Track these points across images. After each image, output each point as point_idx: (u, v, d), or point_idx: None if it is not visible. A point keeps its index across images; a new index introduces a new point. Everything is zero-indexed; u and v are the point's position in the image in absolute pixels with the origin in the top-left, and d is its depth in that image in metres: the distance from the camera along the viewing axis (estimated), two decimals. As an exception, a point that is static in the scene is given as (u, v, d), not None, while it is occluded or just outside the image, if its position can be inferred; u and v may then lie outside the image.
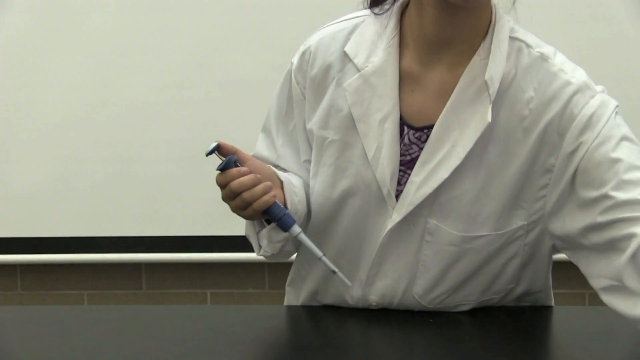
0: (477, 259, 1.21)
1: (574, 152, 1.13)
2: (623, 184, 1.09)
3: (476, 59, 1.16)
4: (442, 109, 1.17)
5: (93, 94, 2.37)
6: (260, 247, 1.27)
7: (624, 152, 1.11)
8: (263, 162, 1.28)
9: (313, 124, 1.26)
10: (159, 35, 2.34)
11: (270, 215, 1.18)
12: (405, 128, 1.20)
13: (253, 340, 1.20)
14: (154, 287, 2.55)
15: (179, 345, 1.15)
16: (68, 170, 2.40)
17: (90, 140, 2.38)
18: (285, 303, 1.43)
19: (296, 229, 1.19)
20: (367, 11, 1.27)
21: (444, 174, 1.16)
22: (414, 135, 1.20)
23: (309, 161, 1.30)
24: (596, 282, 1.13)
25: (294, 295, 1.40)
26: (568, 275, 2.48)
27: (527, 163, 1.16)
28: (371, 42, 1.23)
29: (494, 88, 1.14)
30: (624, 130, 1.15)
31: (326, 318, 1.31)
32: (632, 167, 1.10)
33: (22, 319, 1.33)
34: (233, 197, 1.16)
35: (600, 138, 1.12)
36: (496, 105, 1.15)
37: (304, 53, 1.28)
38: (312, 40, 1.28)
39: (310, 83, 1.26)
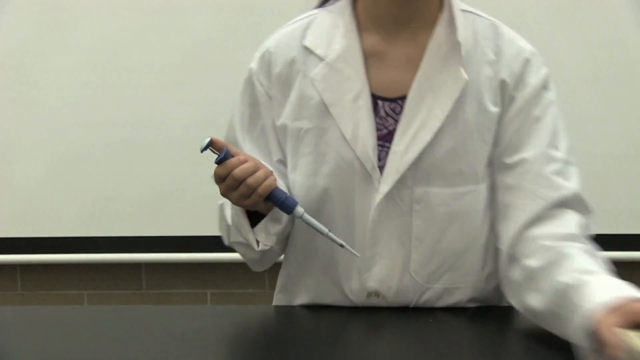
0: (466, 223, 1.25)
1: (518, 113, 1.24)
2: (544, 157, 1.22)
3: (439, 29, 1.24)
4: (412, 79, 1.24)
5: (93, 94, 2.37)
6: (257, 242, 1.27)
7: (555, 125, 1.25)
8: None
9: (285, 118, 1.29)
10: (159, 35, 2.34)
11: (274, 199, 1.20)
12: (379, 102, 1.25)
13: (253, 340, 1.20)
14: (154, 287, 2.55)
15: (179, 345, 1.15)
16: (68, 170, 2.40)
17: (91, 140, 2.38)
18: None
19: (300, 209, 1.21)
20: (316, 10, 1.32)
21: (426, 136, 1.21)
22: (389, 106, 1.25)
23: (281, 161, 1.31)
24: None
25: (286, 301, 1.38)
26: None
27: (496, 119, 1.24)
28: (328, 32, 1.28)
29: (466, 48, 1.22)
30: (555, 99, 1.28)
31: (326, 318, 1.31)
32: (553, 145, 1.23)
33: (22, 319, 1.33)
34: (236, 186, 1.17)
35: (541, 107, 1.25)
36: (465, 67, 1.22)
37: (263, 55, 1.32)
38: (269, 43, 1.32)
39: (275, 81, 1.30)
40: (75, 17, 2.34)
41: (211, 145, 1.19)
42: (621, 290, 0.99)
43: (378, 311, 1.29)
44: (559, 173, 1.22)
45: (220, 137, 1.23)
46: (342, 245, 1.21)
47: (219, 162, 1.18)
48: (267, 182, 1.18)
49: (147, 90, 2.36)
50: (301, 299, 1.35)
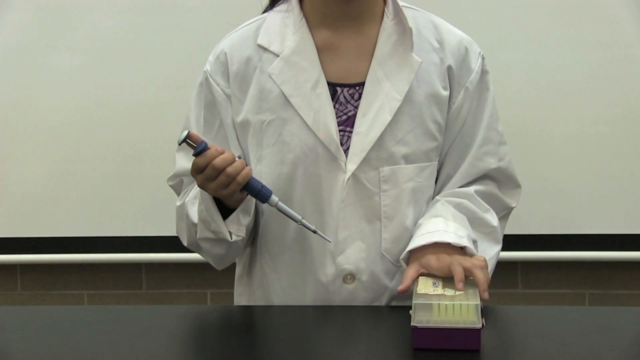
0: (424, 197, 1.36)
1: (465, 98, 1.36)
2: (483, 140, 1.38)
3: (386, 21, 1.34)
4: (366, 67, 1.32)
5: (93, 94, 2.36)
6: (230, 234, 1.31)
7: (493, 107, 1.40)
8: (187, 172, 1.34)
9: (246, 113, 1.34)
10: (159, 36, 2.34)
11: (250, 188, 1.25)
12: (338, 89, 1.32)
13: (253, 340, 1.20)
14: (154, 287, 2.55)
15: (179, 345, 1.15)
16: (68, 170, 2.40)
17: (90, 140, 2.38)
18: (238, 304, 1.46)
19: (275, 197, 1.26)
20: (264, 15, 1.40)
21: (387, 117, 1.30)
22: (347, 92, 1.32)
23: (239, 158, 1.35)
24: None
25: (265, 298, 1.40)
26: (568, 275, 2.49)
27: (447, 101, 1.35)
28: (279, 31, 1.35)
29: (414, 34, 1.32)
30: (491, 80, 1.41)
31: (326, 318, 1.31)
32: (492, 128, 1.39)
33: (22, 319, 1.33)
34: (215, 176, 1.22)
35: (484, 92, 1.38)
36: (415, 53, 1.32)
37: (217, 57, 1.38)
38: (222, 45, 1.39)
39: (233, 78, 1.35)
40: (75, 17, 2.34)
41: (188, 138, 1.23)
42: (430, 236, 1.25)
43: (370, 308, 1.29)
44: (493, 154, 1.39)
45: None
46: (314, 232, 1.26)
47: (197, 153, 1.22)
48: (245, 171, 1.23)
49: (147, 90, 2.36)
50: (278, 294, 1.38)
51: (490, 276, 1.27)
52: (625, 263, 2.44)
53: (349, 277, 1.33)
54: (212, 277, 2.52)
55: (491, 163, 1.39)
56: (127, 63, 2.35)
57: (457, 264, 1.19)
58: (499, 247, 1.39)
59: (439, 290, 1.16)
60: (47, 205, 2.41)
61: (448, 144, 1.39)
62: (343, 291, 1.34)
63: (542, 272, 2.43)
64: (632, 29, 2.28)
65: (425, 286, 1.18)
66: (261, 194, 1.26)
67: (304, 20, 1.34)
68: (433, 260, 1.23)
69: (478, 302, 1.12)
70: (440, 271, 1.21)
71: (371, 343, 1.18)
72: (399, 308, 1.29)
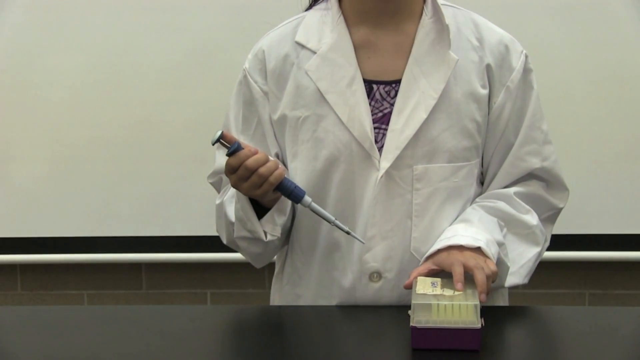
0: (461, 197, 1.34)
1: (507, 97, 1.35)
2: (525, 139, 1.36)
3: (425, 19, 1.33)
4: (402, 65, 1.32)
5: (93, 93, 2.36)
6: (265, 234, 1.31)
7: (536, 106, 1.38)
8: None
9: (283, 109, 1.34)
10: (159, 35, 2.34)
11: (283, 188, 1.25)
12: (374, 86, 1.32)
13: (253, 340, 1.20)
14: (154, 287, 2.55)
15: (179, 345, 1.15)
16: (68, 170, 2.40)
17: (91, 140, 2.38)
18: (272, 301, 1.46)
19: (308, 198, 1.26)
20: (303, 13, 1.39)
21: (422, 114, 1.29)
22: (384, 89, 1.32)
23: (278, 155, 1.37)
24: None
25: (292, 292, 1.40)
26: (568, 275, 2.49)
27: (486, 100, 1.34)
28: (318, 29, 1.35)
29: (452, 32, 1.31)
30: (535, 79, 1.39)
31: (326, 317, 1.31)
32: (536, 127, 1.37)
33: (22, 319, 1.34)
34: (248, 177, 1.22)
35: (527, 92, 1.36)
36: (452, 51, 1.31)
37: (256, 54, 1.38)
38: (261, 43, 1.39)
39: (270, 76, 1.35)
40: (75, 17, 2.34)
41: (222, 138, 1.22)
42: (446, 240, 1.25)
43: (378, 308, 1.29)
44: (536, 154, 1.37)
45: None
46: (348, 232, 1.26)
47: (230, 153, 1.22)
48: (278, 171, 1.23)
49: (147, 90, 2.36)
50: (306, 289, 1.38)
51: (528, 280, 1.33)
52: (625, 263, 2.44)
53: (375, 275, 1.32)
54: (212, 277, 2.52)
55: (534, 163, 1.37)
56: (127, 63, 2.35)
57: (458, 263, 1.19)
58: (539, 248, 1.37)
59: (438, 290, 1.16)
60: (47, 205, 2.41)
61: (493, 145, 1.37)
62: (369, 289, 1.33)
63: (542, 272, 2.42)
64: (632, 29, 2.28)
65: (424, 286, 1.18)
66: (294, 195, 1.25)
67: (341, 17, 1.34)
68: (444, 256, 1.23)
69: (477, 302, 1.12)
70: (449, 267, 1.21)
71: (370, 343, 1.18)
72: (398, 308, 1.29)
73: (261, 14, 2.31)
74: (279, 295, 1.45)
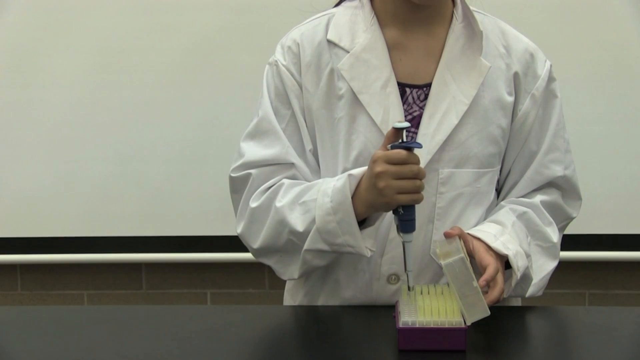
0: (482, 203, 1.34)
1: (532, 105, 1.35)
2: (549, 147, 1.37)
3: (455, 23, 1.33)
4: (433, 69, 1.31)
5: (93, 93, 2.36)
6: (365, 248, 1.26)
7: (560, 117, 1.38)
8: (260, 163, 1.31)
9: (317, 106, 1.32)
10: (159, 35, 2.34)
11: (408, 213, 1.19)
12: (407, 89, 1.31)
13: (253, 340, 1.20)
14: (154, 287, 2.55)
15: (179, 345, 1.15)
16: (68, 170, 2.39)
17: (90, 140, 2.38)
18: (285, 300, 1.44)
19: (412, 236, 1.20)
20: (332, 10, 1.37)
21: (453, 120, 1.29)
22: (416, 93, 1.31)
23: (311, 151, 1.34)
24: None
25: (310, 293, 1.39)
26: (568, 275, 2.48)
27: (512, 107, 1.34)
28: (349, 28, 1.33)
29: (484, 39, 1.32)
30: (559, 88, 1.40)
31: (326, 317, 1.31)
32: (559, 136, 1.37)
33: (22, 319, 1.34)
34: (406, 178, 1.17)
35: (551, 101, 1.37)
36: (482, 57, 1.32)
37: (289, 47, 1.35)
38: (294, 35, 1.36)
39: (305, 69, 1.33)
40: (75, 17, 2.34)
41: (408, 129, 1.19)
42: (479, 233, 1.26)
43: (380, 308, 1.29)
44: (559, 162, 1.37)
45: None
46: (409, 288, 1.20)
47: (409, 147, 1.16)
48: (422, 193, 1.19)
49: (147, 90, 2.36)
50: (324, 290, 1.36)
51: (542, 292, 1.33)
52: (625, 263, 2.44)
53: (393, 277, 1.32)
54: (212, 277, 2.52)
55: (557, 171, 1.37)
56: (127, 63, 2.35)
57: (495, 268, 1.18)
58: (556, 263, 1.38)
59: (460, 253, 1.15)
60: (47, 205, 2.41)
61: (515, 152, 1.37)
62: (387, 291, 1.32)
63: (542, 272, 2.43)
64: (632, 29, 2.28)
65: (445, 251, 1.17)
66: (409, 224, 1.19)
67: (375, 18, 1.33)
68: (484, 249, 1.22)
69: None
70: (485, 261, 1.20)
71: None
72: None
73: (261, 14, 2.32)
74: (291, 296, 1.43)
